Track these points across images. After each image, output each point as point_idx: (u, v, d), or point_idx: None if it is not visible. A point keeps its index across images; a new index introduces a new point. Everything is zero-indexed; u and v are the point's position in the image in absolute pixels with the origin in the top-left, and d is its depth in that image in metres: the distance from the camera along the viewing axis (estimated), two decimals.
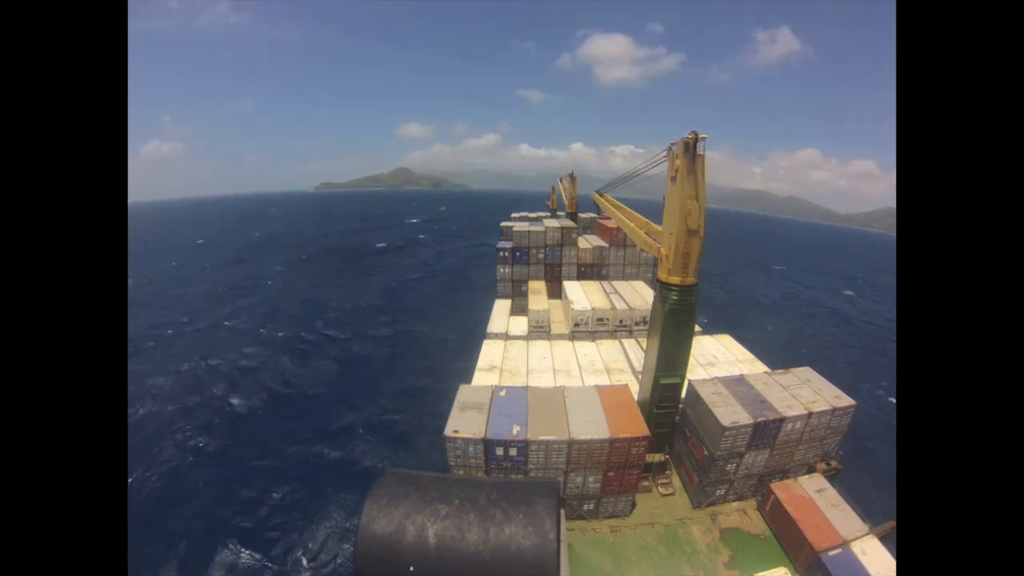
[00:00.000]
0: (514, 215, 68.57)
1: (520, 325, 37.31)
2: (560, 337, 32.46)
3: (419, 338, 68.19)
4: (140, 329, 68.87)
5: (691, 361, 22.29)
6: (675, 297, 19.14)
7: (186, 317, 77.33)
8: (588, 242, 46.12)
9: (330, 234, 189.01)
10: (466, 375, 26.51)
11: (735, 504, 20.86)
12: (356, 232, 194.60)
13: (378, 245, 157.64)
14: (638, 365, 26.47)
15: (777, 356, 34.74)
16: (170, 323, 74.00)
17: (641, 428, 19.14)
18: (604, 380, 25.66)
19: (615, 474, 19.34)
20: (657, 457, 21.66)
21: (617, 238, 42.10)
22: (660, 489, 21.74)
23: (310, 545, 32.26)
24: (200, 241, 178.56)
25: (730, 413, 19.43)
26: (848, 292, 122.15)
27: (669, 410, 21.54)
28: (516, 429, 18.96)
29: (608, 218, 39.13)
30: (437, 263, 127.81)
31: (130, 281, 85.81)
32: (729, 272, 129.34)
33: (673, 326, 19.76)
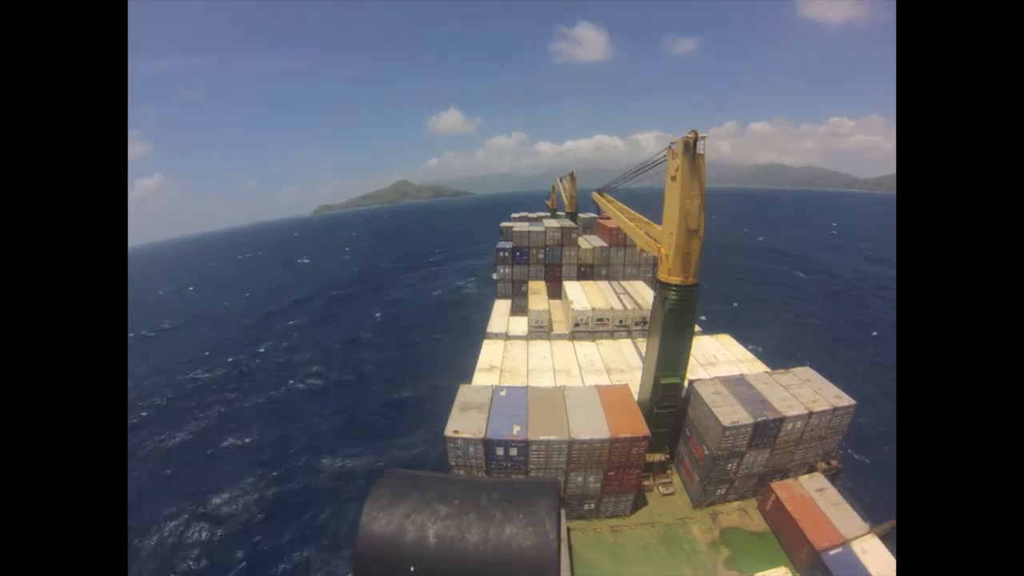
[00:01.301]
0: (514, 215, 68.52)
1: (520, 325, 37.28)
2: (560, 337, 32.43)
3: None
4: None
5: (691, 361, 22.27)
6: (675, 297, 19.13)
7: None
8: (588, 242, 46.08)
9: None
10: (466, 375, 26.52)
11: (735, 504, 20.85)
12: None
13: None
14: (638, 365, 26.46)
15: None
16: None
17: (641, 428, 19.13)
18: (604, 380, 25.64)
19: (615, 474, 19.33)
20: (657, 457, 21.66)
21: (617, 238, 42.08)
22: (660, 489, 21.74)
23: (311, 545, 32.25)
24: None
25: (730, 413, 19.42)
26: None
27: (669, 410, 21.53)
28: (516, 429, 18.95)
29: (608, 218, 39.11)
30: None
31: None
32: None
33: (673, 326, 19.75)
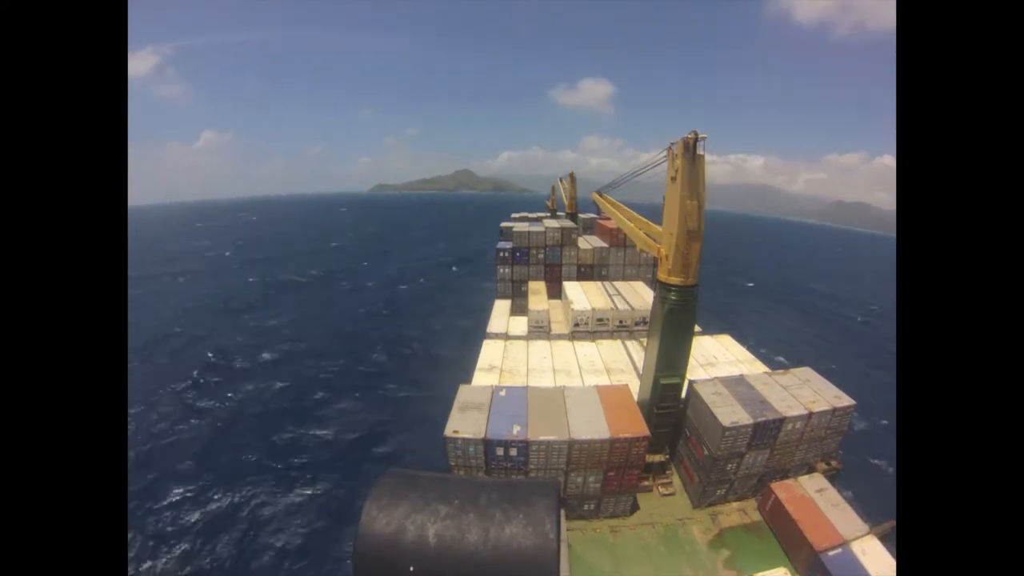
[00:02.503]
0: (514, 215, 68.43)
1: (520, 325, 37.28)
2: (560, 337, 32.44)
3: None
4: None
5: (691, 361, 22.28)
6: (674, 298, 19.13)
7: None
8: (588, 242, 46.11)
9: None
10: (466, 375, 26.52)
11: (735, 504, 20.85)
12: None
13: None
14: (638, 365, 26.46)
15: None
16: None
17: (641, 428, 19.13)
18: (604, 380, 25.64)
19: (615, 474, 19.33)
20: (657, 457, 21.66)
21: (617, 238, 42.10)
22: (660, 489, 21.73)
23: (310, 545, 32.26)
24: None
25: (730, 413, 19.43)
26: None
27: (669, 410, 21.53)
28: (516, 429, 18.95)
29: (608, 218, 39.13)
30: None
31: None
32: None
33: (673, 327, 19.75)
